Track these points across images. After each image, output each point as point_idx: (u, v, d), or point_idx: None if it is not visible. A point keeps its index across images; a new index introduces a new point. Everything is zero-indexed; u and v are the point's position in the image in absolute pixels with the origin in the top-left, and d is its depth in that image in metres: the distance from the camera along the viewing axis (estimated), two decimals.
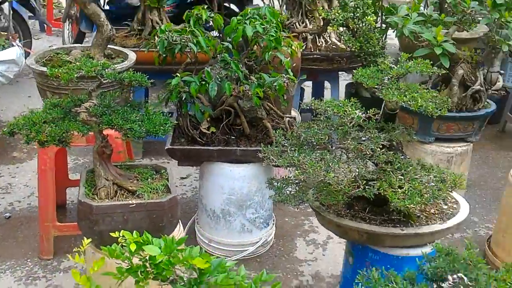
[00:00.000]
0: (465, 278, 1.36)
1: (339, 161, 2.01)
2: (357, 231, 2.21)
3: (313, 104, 2.21)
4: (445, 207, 2.39)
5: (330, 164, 1.95)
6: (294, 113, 3.58)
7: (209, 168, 2.84)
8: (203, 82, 2.62)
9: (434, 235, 2.24)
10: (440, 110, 2.07)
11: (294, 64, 3.37)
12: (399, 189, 2.05)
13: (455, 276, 1.37)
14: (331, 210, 2.29)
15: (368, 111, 2.13)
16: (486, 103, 3.39)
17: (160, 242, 1.41)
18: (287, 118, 2.87)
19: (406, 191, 2.02)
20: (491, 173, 4.20)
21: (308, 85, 5.16)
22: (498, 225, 3.08)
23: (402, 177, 2.11)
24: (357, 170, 1.99)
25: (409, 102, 2.06)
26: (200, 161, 2.84)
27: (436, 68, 2.25)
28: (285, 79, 2.65)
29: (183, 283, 1.34)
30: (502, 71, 5.34)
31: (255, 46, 2.83)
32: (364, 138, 2.07)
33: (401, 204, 1.94)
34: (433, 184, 2.08)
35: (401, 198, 1.99)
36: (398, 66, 2.22)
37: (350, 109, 2.13)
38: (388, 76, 2.23)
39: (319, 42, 4.02)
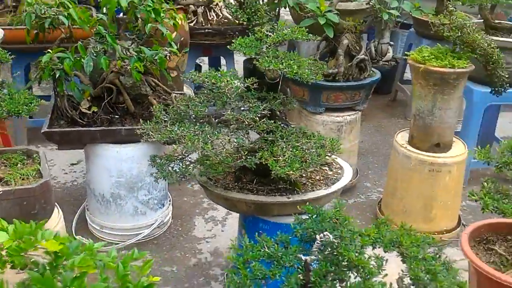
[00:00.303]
0: (331, 236, 1.37)
1: (219, 133, 1.97)
2: (244, 202, 2.20)
3: (192, 76, 2.14)
4: (330, 173, 2.46)
5: (209, 136, 1.90)
6: (186, 89, 3.49)
7: (94, 150, 2.70)
8: (79, 58, 2.45)
9: (320, 200, 2.28)
10: (314, 76, 2.09)
11: (182, 38, 3.28)
12: (280, 158, 2.05)
13: (321, 234, 1.39)
14: (219, 184, 2.27)
15: (246, 81, 2.10)
16: (371, 72, 3.50)
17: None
18: (174, 94, 2.78)
19: (287, 159, 2.03)
20: (383, 140, 4.40)
21: (206, 62, 5.10)
22: (387, 188, 3.23)
23: (284, 145, 2.12)
24: (235, 141, 1.96)
25: (285, 70, 2.06)
26: (82, 143, 2.68)
27: (311, 35, 2.26)
28: (166, 52, 2.55)
29: (37, 269, 1.23)
30: (392, 43, 5.59)
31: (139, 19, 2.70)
32: (243, 108, 2.04)
33: (281, 172, 1.94)
34: (313, 151, 2.11)
35: (282, 165, 1.99)
36: (274, 34, 2.21)
37: (229, 80, 2.08)
38: (266, 44, 2.21)
39: (210, 16, 3.94)
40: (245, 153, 2.03)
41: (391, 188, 3.15)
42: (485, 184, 1.79)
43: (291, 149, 2.09)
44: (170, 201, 3.08)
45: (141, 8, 2.47)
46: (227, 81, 2.06)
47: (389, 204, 3.17)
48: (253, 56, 2.16)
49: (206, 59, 5.04)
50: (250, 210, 2.24)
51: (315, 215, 1.49)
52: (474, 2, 3.53)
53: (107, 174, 2.71)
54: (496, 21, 3.75)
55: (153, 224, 2.88)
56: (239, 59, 4.73)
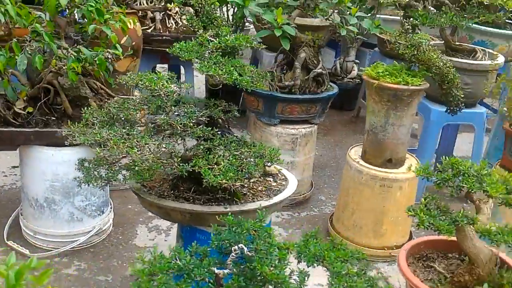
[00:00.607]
0: (245, 248, 1.27)
1: (149, 138, 1.86)
2: (179, 211, 2.08)
3: (125, 78, 2.03)
4: (274, 184, 2.36)
5: (136, 141, 1.79)
6: (138, 94, 3.38)
7: (28, 152, 2.55)
8: (13, 56, 2.32)
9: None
10: (255, 84, 2.01)
11: (134, 43, 3.19)
12: (215, 166, 1.95)
13: (236, 247, 1.28)
14: (154, 191, 2.15)
15: (184, 85, 2.00)
16: (329, 86, 3.44)
17: None
18: (117, 98, 2.65)
19: (223, 168, 1.93)
20: (342, 155, 4.33)
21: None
22: (339, 202, 3.16)
23: (221, 153, 2.02)
24: (164, 147, 1.84)
25: (224, 76, 1.97)
26: (15, 144, 2.53)
27: (256, 43, 2.19)
28: (108, 54, 2.44)
29: None
30: (357, 61, 5.59)
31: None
32: (177, 113, 1.94)
33: (213, 180, 1.84)
34: (251, 160, 2.01)
35: (217, 174, 1.89)
36: (217, 40, 2.13)
37: (165, 83, 1.99)
38: (208, 50, 2.13)
39: (169, 24, 3.85)
40: (178, 160, 1.92)
41: (343, 202, 3.07)
42: (423, 200, 1.72)
43: (228, 158, 2.00)
44: (111, 208, 2.94)
45: (83, 8, 2.35)
46: (162, 84, 1.96)
47: (340, 218, 3.09)
48: (194, 61, 2.07)
49: (165, 66, 4.91)
50: (185, 220, 2.12)
51: (235, 226, 1.39)
52: (434, 23, 3.52)
53: (42, 177, 2.57)
54: (457, 43, 3.75)
55: (91, 231, 2.73)
56: None
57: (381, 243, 2.96)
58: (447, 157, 1.74)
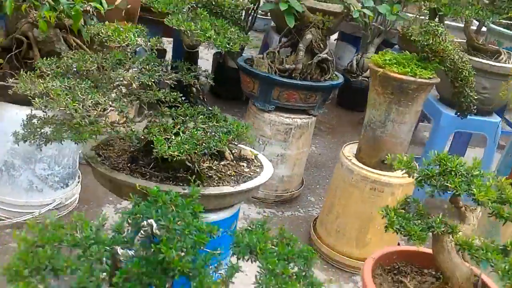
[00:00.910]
0: (154, 225, 1.03)
1: (101, 94, 1.63)
2: (132, 188, 1.85)
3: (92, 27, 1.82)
4: (247, 170, 2.11)
5: (80, 94, 1.56)
6: None
7: None
8: None
9: (224, 197, 1.94)
10: (231, 46, 1.76)
11: (129, 6, 2.99)
12: (174, 137, 1.72)
13: (144, 223, 1.05)
14: (108, 162, 1.92)
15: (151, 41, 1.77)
16: (334, 75, 3.17)
17: None
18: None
19: (180, 139, 1.69)
20: None
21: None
22: (325, 204, 2.89)
23: (183, 124, 1.79)
24: (111, 104, 1.61)
25: (197, 32, 1.73)
26: None
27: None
28: (88, 7, 2.22)
29: None
30: None
31: None
32: (136, 69, 1.71)
33: (163, 151, 1.60)
34: (216, 135, 1.77)
35: (173, 145, 1.65)
36: None
37: (130, 36, 1.76)
38: (189, 5, 1.90)
39: None
40: (132, 125, 1.70)
41: (329, 204, 2.80)
42: (400, 199, 1.45)
43: (190, 130, 1.76)
44: (78, 181, 2.73)
45: None
46: (126, 36, 1.73)
47: (323, 222, 2.82)
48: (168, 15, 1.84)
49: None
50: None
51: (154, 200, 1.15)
52: (457, 15, 3.20)
53: (3, 138, 2.37)
54: (481, 42, 3.44)
55: (50, 204, 2.52)
56: (210, 51, 4.37)
57: (364, 254, 2.65)
58: (435, 151, 1.47)
